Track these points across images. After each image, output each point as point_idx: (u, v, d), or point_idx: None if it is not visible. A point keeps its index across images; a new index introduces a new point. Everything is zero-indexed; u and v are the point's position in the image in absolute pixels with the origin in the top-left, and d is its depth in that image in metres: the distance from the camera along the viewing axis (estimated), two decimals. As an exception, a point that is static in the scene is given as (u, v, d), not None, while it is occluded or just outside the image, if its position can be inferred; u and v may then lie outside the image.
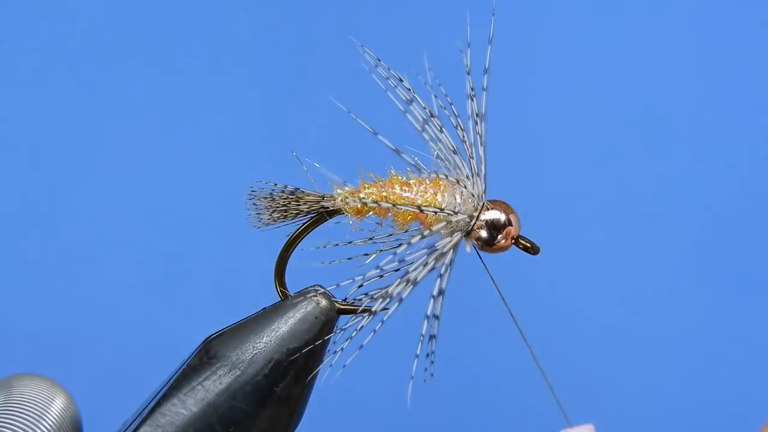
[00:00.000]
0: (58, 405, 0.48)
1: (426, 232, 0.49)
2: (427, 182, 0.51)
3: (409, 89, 0.51)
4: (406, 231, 0.51)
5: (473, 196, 0.50)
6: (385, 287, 0.49)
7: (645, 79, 1.04)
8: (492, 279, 0.49)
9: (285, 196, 0.51)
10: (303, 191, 0.51)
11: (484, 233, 0.49)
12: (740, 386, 0.98)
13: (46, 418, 0.47)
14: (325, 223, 0.52)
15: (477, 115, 0.50)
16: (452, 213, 0.49)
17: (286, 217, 0.51)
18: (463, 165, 0.50)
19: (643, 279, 1.00)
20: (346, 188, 0.51)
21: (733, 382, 0.99)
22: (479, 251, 0.50)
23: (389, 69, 0.51)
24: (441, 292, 0.49)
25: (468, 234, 0.49)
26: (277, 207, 0.51)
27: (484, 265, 0.49)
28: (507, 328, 0.53)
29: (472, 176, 0.50)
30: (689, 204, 1.01)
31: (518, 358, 0.51)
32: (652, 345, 0.98)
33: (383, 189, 0.51)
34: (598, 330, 0.98)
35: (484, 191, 0.50)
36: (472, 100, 0.50)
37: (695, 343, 0.99)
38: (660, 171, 1.02)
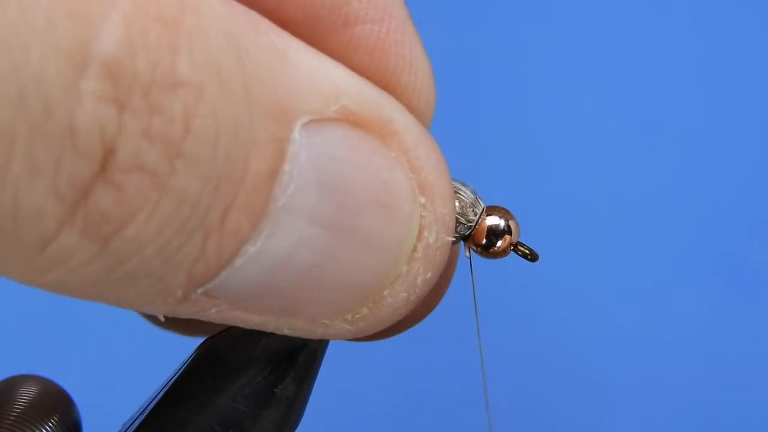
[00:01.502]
0: (56, 406, 0.48)
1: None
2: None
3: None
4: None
5: (472, 200, 0.50)
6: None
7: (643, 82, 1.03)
8: (473, 284, 0.49)
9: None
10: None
11: (482, 239, 0.49)
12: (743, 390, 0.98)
13: (45, 419, 0.47)
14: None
15: None
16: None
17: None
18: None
19: (645, 283, 1.00)
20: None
21: (736, 384, 0.99)
22: (471, 257, 0.50)
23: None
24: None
25: (466, 239, 0.49)
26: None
27: (471, 270, 0.49)
28: (508, 329, 0.53)
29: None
30: (693, 210, 1.01)
31: (517, 358, 0.51)
32: (653, 347, 0.98)
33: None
34: (597, 334, 0.98)
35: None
36: None
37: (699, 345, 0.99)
38: (663, 174, 1.02)
